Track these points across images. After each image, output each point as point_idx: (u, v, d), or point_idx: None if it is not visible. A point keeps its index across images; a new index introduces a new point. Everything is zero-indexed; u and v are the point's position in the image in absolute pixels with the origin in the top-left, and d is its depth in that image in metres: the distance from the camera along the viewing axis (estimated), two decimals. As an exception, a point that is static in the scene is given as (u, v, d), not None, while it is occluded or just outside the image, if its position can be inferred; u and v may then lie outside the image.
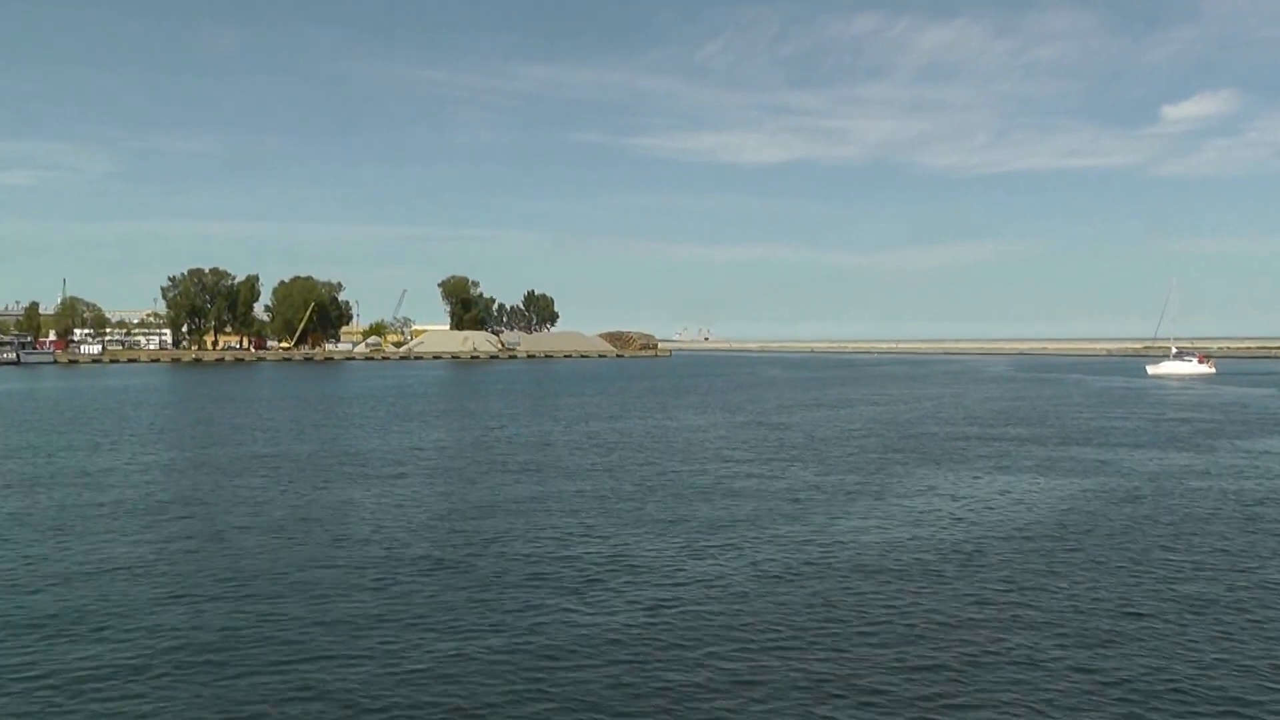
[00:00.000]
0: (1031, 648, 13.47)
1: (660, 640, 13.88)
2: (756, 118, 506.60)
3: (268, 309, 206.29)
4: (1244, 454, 35.11)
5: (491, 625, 14.59)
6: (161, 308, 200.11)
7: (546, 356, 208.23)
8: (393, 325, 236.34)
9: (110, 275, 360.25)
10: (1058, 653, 13.27)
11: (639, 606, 15.55)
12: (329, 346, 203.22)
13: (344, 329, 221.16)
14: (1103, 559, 18.67)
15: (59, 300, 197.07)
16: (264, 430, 45.60)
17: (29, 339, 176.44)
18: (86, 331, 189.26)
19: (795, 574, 17.60)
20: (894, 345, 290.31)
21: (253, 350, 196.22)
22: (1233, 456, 34.36)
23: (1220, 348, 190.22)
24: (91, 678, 12.41)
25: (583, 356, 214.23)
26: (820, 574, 17.60)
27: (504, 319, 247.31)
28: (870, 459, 34.17)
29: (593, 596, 16.17)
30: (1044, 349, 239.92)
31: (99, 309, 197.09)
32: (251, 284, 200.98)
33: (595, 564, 18.43)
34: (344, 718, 11.34)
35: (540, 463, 33.53)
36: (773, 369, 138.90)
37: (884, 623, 14.67)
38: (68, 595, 16.23)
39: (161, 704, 11.60)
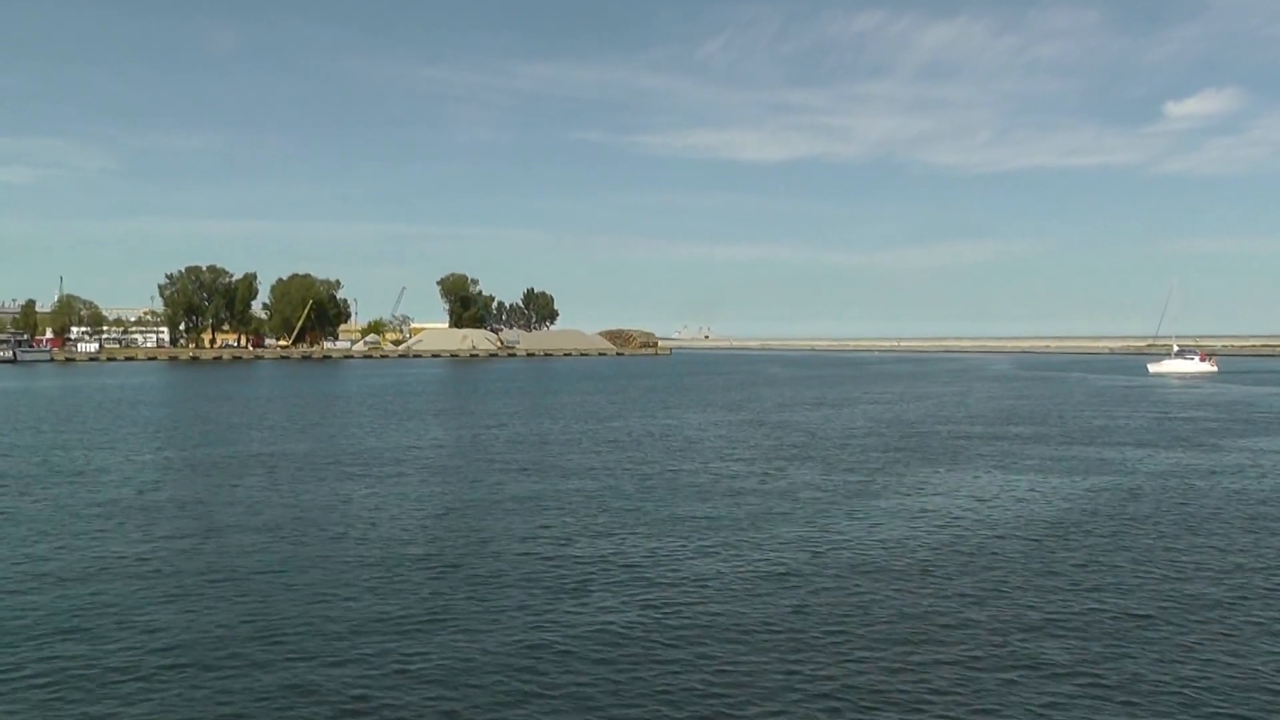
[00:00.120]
0: (1033, 648, 13.33)
1: (659, 640, 13.74)
2: (758, 116, 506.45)
3: (266, 307, 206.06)
4: (1246, 453, 34.96)
5: (489, 625, 14.44)
6: (159, 306, 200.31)
7: (546, 355, 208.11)
8: (391, 323, 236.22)
9: (107, 273, 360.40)
10: (1059, 653, 13.13)
11: (637, 606, 15.39)
12: (327, 345, 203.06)
13: (342, 327, 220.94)
14: (1105, 559, 18.52)
15: (56, 298, 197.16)
16: (261, 429, 45.42)
17: (25, 337, 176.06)
18: (83, 329, 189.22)
19: (796, 574, 17.45)
20: (895, 344, 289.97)
21: (250, 348, 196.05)
22: (1235, 455, 34.21)
23: (1223, 346, 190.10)
24: (85, 678, 12.26)
25: (582, 355, 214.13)
26: (821, 573, 17.45)
27: (503, 317, 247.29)
28: (872, 458, 34.00)
29: (591, 596, 16.02)
30: (1046, 347, 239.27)
31: (96, 307, 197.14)
32: (249, 282, 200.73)
33: (594, 563, 18.27)
34: (341, 718, 11.19)
35: (539, 461, 33.36)
36: (773, 367, 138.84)
37: (885, 623, 14.53)
38: (62, 595, 16.08)
39: (157, 704, 11.46)
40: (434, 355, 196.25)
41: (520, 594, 16.14)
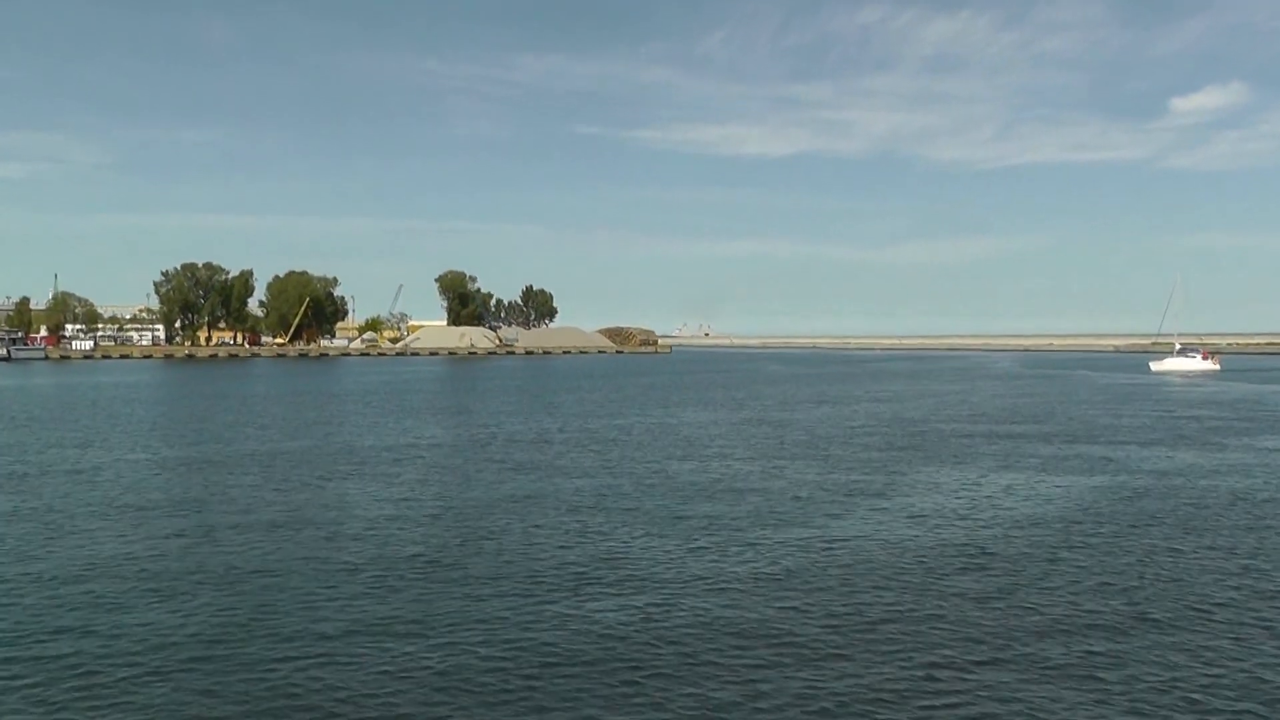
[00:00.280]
0: (1036, 649, 13.13)
1: (659, 640, 13.49)
2: (759, 110, 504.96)
3: (262, 304, 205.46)
4: (1250, 451, 34.72)
5: (487, 625, 14.20)
6: (154, 303, 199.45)
7: (545, 353, 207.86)
8: (389, 321, 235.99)
9: (103, 270, 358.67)
10: (1063, 653, 12.94)
11: (637, 606, 15.15)
12: (324, 342, 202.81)
13: (340, 324, 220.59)
14: (1108, 559, 18.31)
15: (50, 295, 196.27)
16: (257, 427, 45.11)
17: (20, 335, 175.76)
18: (78, 327, 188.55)
19: (796, 573, 17.21)
20: (898, 341, 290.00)
21: (247, 346, 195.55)
22: (1237, 454, 33.96)
23: (1228, 344, 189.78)
24: (80, 677, 12.05)
25: (581, 352, 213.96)
26: (822, 573, 17.22)
27: (502, 314, 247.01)
28: (874, 457, 33.74)
29: (590, 596, 15.77)
30: (1050, 345, 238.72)
31: (91, 304, 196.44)
32: (246, 279, 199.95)
33: (593, 563, 18.02)
34: (338, 717, 10.90)
35: (537, 460, 33.06)
36: (774, 365, 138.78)
37: (886, 622, 14.33)
38: (56, 594, 15.86)
39: (150, 704, 11.24)
40: (432, 353, 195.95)
41: (519, 594, 15.89)
